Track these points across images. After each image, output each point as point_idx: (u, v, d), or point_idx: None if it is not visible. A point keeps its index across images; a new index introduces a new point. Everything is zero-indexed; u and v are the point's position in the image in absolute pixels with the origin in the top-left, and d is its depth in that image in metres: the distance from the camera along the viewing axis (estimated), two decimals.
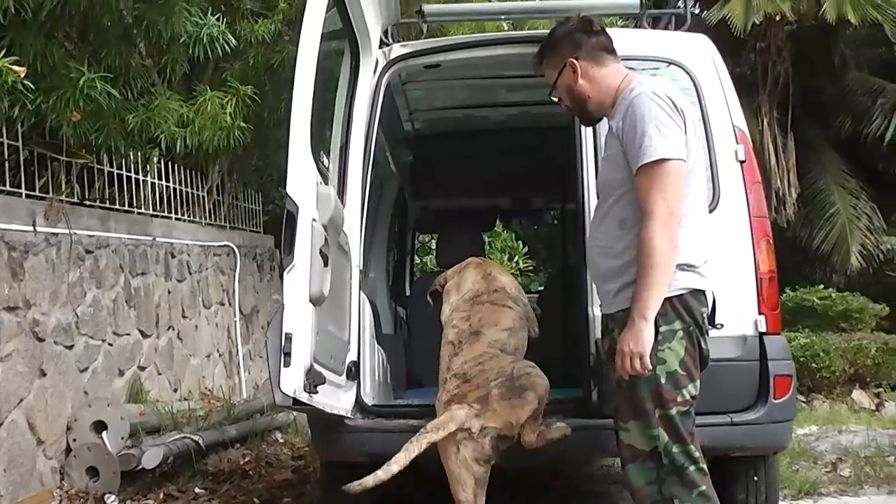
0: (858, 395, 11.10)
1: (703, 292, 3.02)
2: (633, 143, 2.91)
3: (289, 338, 2.96)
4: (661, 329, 2.90)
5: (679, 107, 2.96)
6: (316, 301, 3.16)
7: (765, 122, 14.71)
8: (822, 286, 12.70)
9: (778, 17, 14.09)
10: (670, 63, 3.99)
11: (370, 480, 3.34)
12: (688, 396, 2.94)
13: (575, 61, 3.11)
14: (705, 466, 2.97)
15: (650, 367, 2.86)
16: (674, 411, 2.91)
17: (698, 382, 2.99)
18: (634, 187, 2.94)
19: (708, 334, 3.07)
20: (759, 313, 3.79)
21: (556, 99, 3.25)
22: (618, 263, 3.01)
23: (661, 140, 2.88)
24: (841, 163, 15.66)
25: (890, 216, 16.44)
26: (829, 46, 15.30)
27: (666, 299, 2.89)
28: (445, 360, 3.67)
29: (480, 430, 3.41)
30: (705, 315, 3.04)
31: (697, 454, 2.95)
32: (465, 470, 3.42)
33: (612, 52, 3.17)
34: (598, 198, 3.24)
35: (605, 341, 3.17)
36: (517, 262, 13.32)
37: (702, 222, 3.08)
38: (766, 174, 14.27)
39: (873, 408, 10.83)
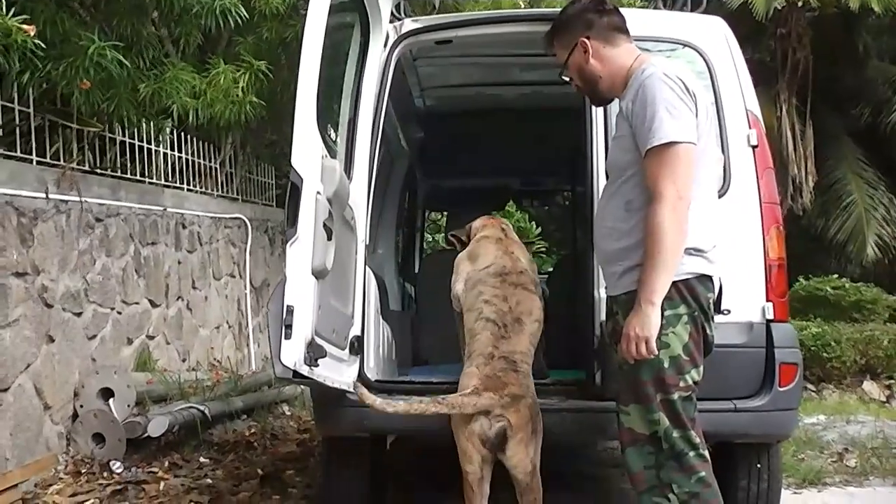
0: (869, 385, 11.05)
1: (710, 278, 2.98)
2: (643, 126, 2.87)
3: (290, 310, 2.95)
4: (666, 313, 2.87)
5: (691, 89, 2.91)
6: (318, 274, 3.15)
7: (783, 110, 14.59)
8: (836, 276, 12.62)
9: (800, 4, 13.97)
10: (685, 45, 3.94)
11: (368, 398, 3.35)
12: (690, 382, 2.92)
13: (586, 41, 3.07)
14: (706, 453, 2.94)
15: (655, 351, 2.83)
16: (675, 396, 2.89)
17: (701, 368, 2.97)
18: (642, 170, 2.91)
19: (713, 320, 3.03)
20: (767, 300, 3.74)
21: (566, 79, 3.21)
22: (623, 245, 2.98)
23: (671, 123, 2.83)
24: (859, 152, 15.53)
25: None
26: (850, 34, 15.13)
27: (672, 283, 2.86)
28: (489, 337, 3.62)
29: (498, 416, 3.42)
30: (711, 301, 3.00)
31: (698, 440, 2.92)
32: (473, 446, 3.44)
33: (624, 31, 3.13)
34: (607, 178, 3.20)
35: (609, 323, 3.15)
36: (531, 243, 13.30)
37: (711, 207, 3.04)
38: (784, 162, 14.19)
39: (883, 399, 10.78)
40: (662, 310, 2.86)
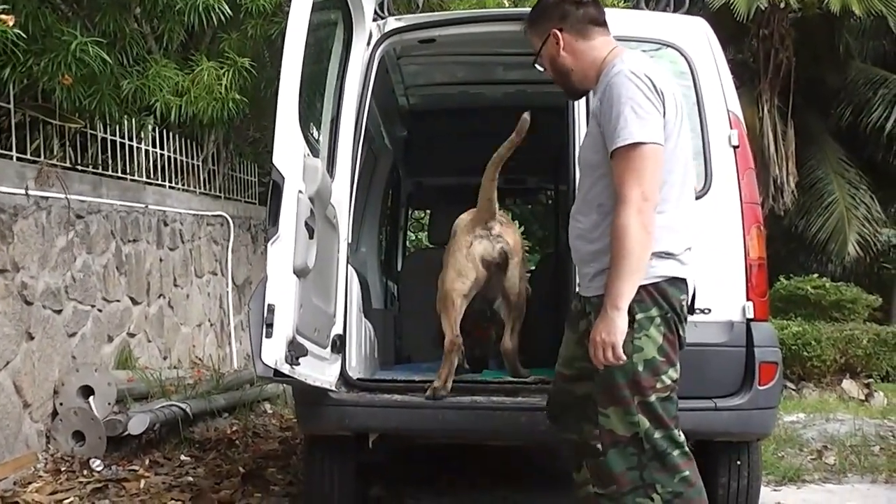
0: (848, 384, 11.12)
1: (682, 280, 2.93)
2: (609, 125, 2.81)
3: (271, 309, 2.95)
4: (638, 317, 2.82)
5: (659, 87, 2.84)
6: (300, 273, 3.15)
7: (765, 110, 14.66)
8: (816, 275, 12.70)
9: (782, 5, 14.02)
10: (667, 45, 3.95)
11: None
12: (668, 382, 2.87)
13: (559, 33, 3.02)
14: (689, 451, 2.92)
15: (623, 357, 2.78)
16: (653, 398, 2.85)
17: (679, 366, 2.93)
18: (611, 170, 2.87)
19: (686, 321, 2.99)
20: (748, 299, 3.76)
21: (540, 68, 3.17)
22: (595, 247, 2.94)
23: (636, 123, 2.77)
24: (840, 152, 15.64)
25: (888, 208, 16.46)
26: (832, 36, 15.24)
27: (642, 287, 2.81)
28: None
29: (498, 237, 4.06)
30: (685, 303, 2.95)
31: (681, 438, 2.89)
32: (472, 264, 3.99)
33: (600, 24, 3.07)
34: (581, 174, 3.13)
35: (583, 323, 3.07)
36: None
37: (685, 208, 2.97)
38: (765, 162, 14.27)
39: (862, 398, 10.85)
40: (634, 313, 2.80)
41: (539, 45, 3.08)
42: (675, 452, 2.85)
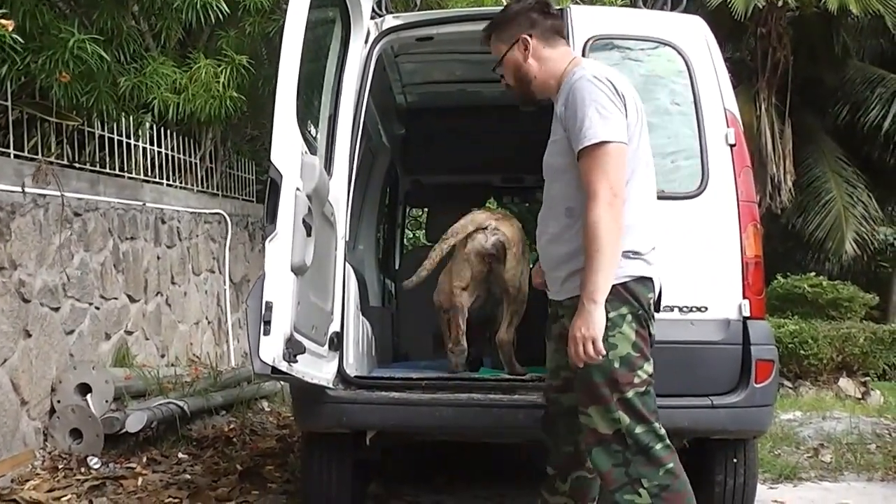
0: (845, 382, 11.15)
1: (650, 279, 3.00)
2: (575, 127, 2.90)
3: (269, 306, 2.95)
4: (611, 315, 2.87)
5: (620, 91, 2.94)
6: (298, 270, 3.15)
7: (762, 109, 14.68)
8: (813, 274, 12.73)
9: (780, 3, 14.03)
10: (664, 44, 3.96)
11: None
12: (645, 376, 2.93)
13: (528, 38, 3.09)
14: (670, 444, 2.95)
15: (603, 351, 2.83)
16: (630, 394, 2.90)
17: (652, 361, 2.98)
18: (579, 172, 2.93)
19: (654, 318, 3.05)
20: (744, 297, 3.77)
21: (500, 75, 3.22)
22: (566, 250, 2.99)
23: (601, 123, 2.87)
24: (838, 151, 15.66)
25: (885, 206, 16.48)
26: (830, 35, 15.24)
27: (612, 286, 2.87)
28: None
29: (493, 229, 4.13)
30: (652, 301, 3.02)
31: (662, 431, 2.93)
32: (467, 263, 4.11)
33: (563, 35, 3.20)
34: (546, 178, 3.18)
35: (556, 327, 3.14)
36: None
37: (648, 208, 3.04)
38: (763, 160, 14.28)
39: (859, 396, 10.88)
40: (606, 312, 2.85)
41: (504, 51, 3.13)
42: (658, 446, 2.90)
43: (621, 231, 2.84)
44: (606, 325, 2.85)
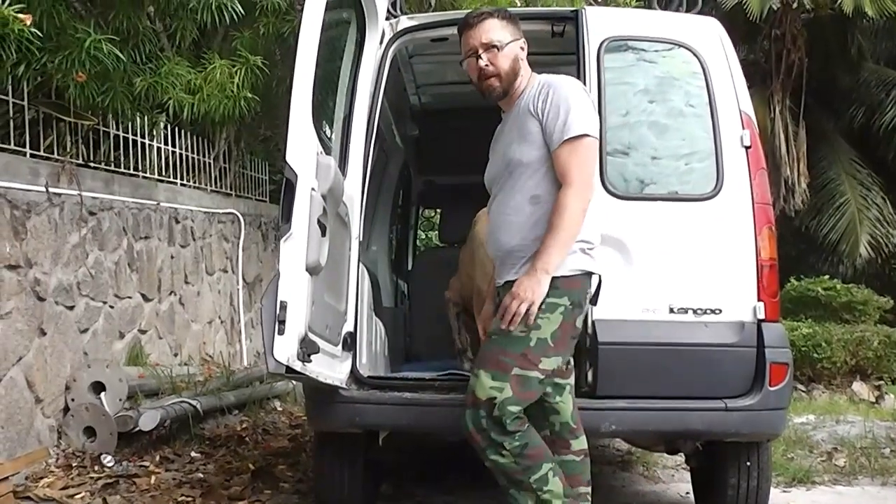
0: (859, 386, 11.11)
1: (591, 275, 3.21)
2: (558, 120, 3.13)
3: (283, 306, 2.96)
4: (548, 299, 3.07)
5: (589, 96, 3.32)
6: (312, 270, 3.16)
7: (777, 111, 14.63)
8: (827, 277, 12.67)
9: (794, 5, 14.00)
10: (679, 45, 3.95)
11: None
12: (549, 368, 3.11)
13: (524, 46, 3.33)
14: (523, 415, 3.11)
15: (531, 320, 3.04)
16: (532, 374, 3.08)
17: (561, 359, 3.17)
18: (552, 164, 3.14)
19: (589, 312, 3.35)
20: (759, 300, 3.76)
21: (484, 59, 3.25)
22: (532, 236, 3.14)
23: (582, 118, 3.14)
24: (852, 153, 15.59)
25: None
26: (845, 36, 15.18)
27: (559, 277, 3.08)
28: None
29: None
30: (589, 295, 3.23)
31: (520, 408, 3.09)
32: (483, 262, 4.06)
33: None
34: (505, 175, 3.28)
35: (494, 307, 3.35)
36: None
37: (595, 207, 3.24)
38: (777, 162, 14.24)
39: (873, 399, 10.83)
40: (546, 295, 3.06)
41: (507, 41, 3.28)
42: (512, 421, 3.07)
43: (584, 217, 3.10)
44: (541, 307, 3.05)
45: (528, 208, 3.18)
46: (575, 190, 3.07)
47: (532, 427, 3.15)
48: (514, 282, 3.15)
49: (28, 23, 4.00)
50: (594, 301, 3.31)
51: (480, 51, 3.26)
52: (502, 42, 3.25)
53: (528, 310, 3.03)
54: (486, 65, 3.26)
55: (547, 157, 3.15)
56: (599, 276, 3.28)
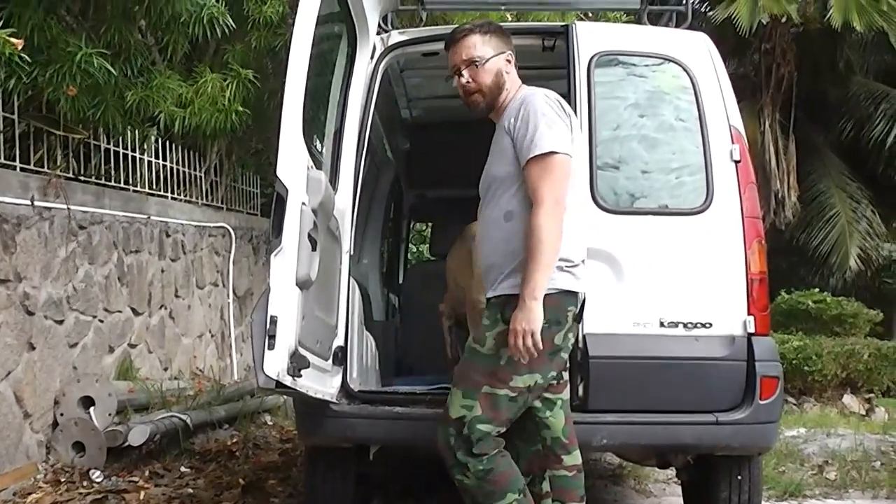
0: (849, 399, 11.12)
1: (574, 293, 3.17)
2: (525, 138, 3.11)
3: (274, 320, 2.95)
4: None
5: (566, 110, 3.21)
6: (303, 285, 3.15)
7: (766, 124, 14.70)
8: (817, 290, 12.71)
9: (784, 19, 14.07)
10: (669, 60, 3.97)
11: None
12: (522, 385, 3.09)
13: (510, 59, 3.32)
14: (496, 437, 3.10)
15: (541, 345, 3.00)
16: (501, 392, 3.07)
17: (539, 376, 3.11)
18: (523, 181, 3.12)
19: (571, 332, 3.20)
20: (749, 314, 3.77)
21: (465, 76, 3.27)
22: (510, 249, 3.14)
23: (550, 135, 3.09)
24: (842, 167, 15.67)
25: (890, 222, 16.45)
26: (834, 50, 15.27)
27: None
28: None
29: None
30: (573, 313, 3.18)
31: (497, 432, 3.09)
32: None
33: None
34: (486, 190, 3.30)
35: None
36: None
37: (580, 224, 3.24)
38: (767, 176, 14.29)
39: (863, 412, 10.85)
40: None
41: (489, 55, 3.28)
42: (484, 442, 3.07)
43: (561, 235, 3.06)
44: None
45: (503, 224, 3.18)
46: (545, 209, 3.03)
47: (504, 453, 3.13)
48: (493, 299, 3.17)
49: (19, 47, 3.99)
50: (578, 318, 3.26)
51: (462, 67, 3.28)
52: (483, 57, 3.26)
53: (533, 339, 2.98)
54: (467, 81, 3.28)
55: (520, 173, 3.13)
56: (584, 295, 3.24)
